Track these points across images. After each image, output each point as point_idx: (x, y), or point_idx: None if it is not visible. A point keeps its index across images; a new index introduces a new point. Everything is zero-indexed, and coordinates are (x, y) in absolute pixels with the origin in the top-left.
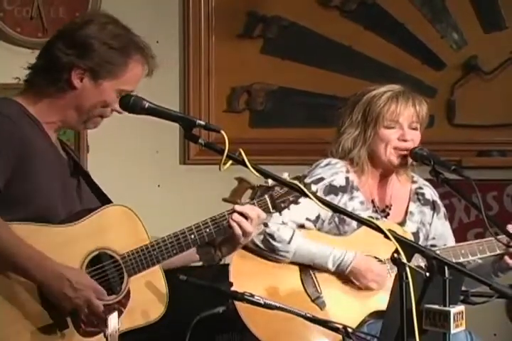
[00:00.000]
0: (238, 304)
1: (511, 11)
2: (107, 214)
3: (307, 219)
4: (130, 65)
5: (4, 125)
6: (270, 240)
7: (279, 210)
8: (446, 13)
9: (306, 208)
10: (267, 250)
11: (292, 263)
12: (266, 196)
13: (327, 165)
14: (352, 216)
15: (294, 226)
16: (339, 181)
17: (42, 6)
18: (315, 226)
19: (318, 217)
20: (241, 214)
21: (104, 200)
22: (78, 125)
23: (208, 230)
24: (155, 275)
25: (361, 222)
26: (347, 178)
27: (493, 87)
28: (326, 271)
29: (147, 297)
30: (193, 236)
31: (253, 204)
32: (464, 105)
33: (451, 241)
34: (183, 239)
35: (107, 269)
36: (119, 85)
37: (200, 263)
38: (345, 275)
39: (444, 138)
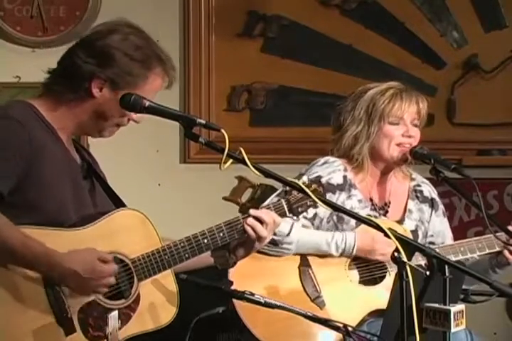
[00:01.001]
0: (238, 304)
1: (511, 9)
2: (118, 218)
3: (304, 217)
4: (150, 78)
5: (13, 128)
6: None
7: (296, 215)
8: (447, 12)
9: None
10: (270, 244)
11: (292, 262)
12: (282, 200)
13: (324, 163)
14: (354, 216)
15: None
16: (336, 179)
17: (42, 4)
18: (313, 224)
19: (315, 215)
20: (256, 218)
21: (119, 204)
22: (94, 133)
23: (221, 234)
24: (166, 279)
25: (363, 221)
26: (345, 177)
27: (494, 86)
28: (332, 256)
29: (158, 301)
30: (206, 241)
31: (269, 208)
32: (464, 104)
33: (449, 238)
34: (196, 244)
35: (117, 273)
36: None
37: None
38: (343, 270)
39: (445, 136)
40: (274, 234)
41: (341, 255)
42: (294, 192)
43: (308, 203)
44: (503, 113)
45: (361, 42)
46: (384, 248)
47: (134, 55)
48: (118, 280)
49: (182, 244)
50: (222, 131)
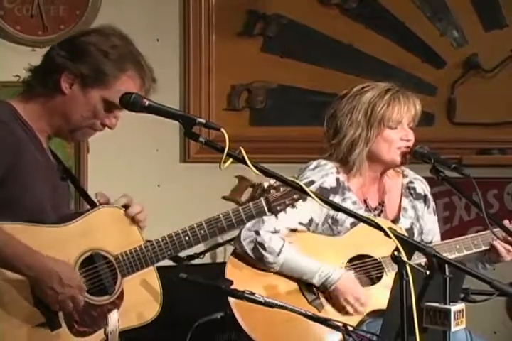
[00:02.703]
0: (236, 309)
1: (511, 8)
2: (100, 215)
3: (300, 223)
4: (122, 79)
5: None
6: (260, 250)
7: (275, 213)
8: (447, 11)
9: (298, 212)
10: (256, 259)
11: None
12: (261, 199)
13: (316, 167)
14: (355, 216)
15: (287, 232)
16: (330, 183)
17: (42, 4)
18: (308, 229)
19: (311, 221)
20: None
21: (93, 205)
22: (65, 134)
23: (202, 232)
24: (149, 275)
25: (364, 221)
26: (337, 179)
27: (494, 85)
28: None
29: (141, 297)
30: (187, 238)
31: (249, 207)
32: (464, 103)
33: (437, 237)
34: (178, 241)
35: (100, 270)
36: (106, 96)
37: (200, 262)
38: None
39: (445, 136)
40: (264, 249)
41: (320, 286)
42: (273, 191)
43: (287, 202)
44: (503, 112)
45: (361, 42)
46: (355, 302)
47: (109, 52)
48: (102, 277)
49: (164, 241)
50: (222, 130)
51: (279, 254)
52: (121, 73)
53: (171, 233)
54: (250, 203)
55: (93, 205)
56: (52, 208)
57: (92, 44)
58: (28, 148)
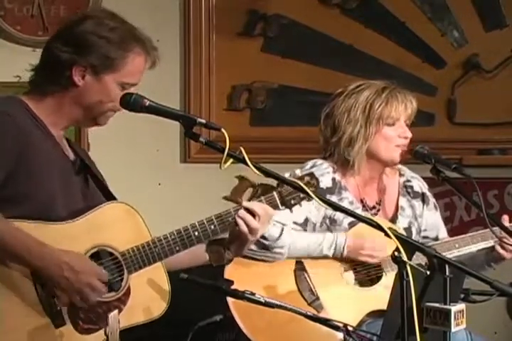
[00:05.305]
0: (235, 312)
1: (511, 8)
2: (107, 211)
3: (294, 222)
4: (130, 57)
5: (5, 123)
6: (261, 240)
7: (289, 207)
8: (447, 11)
9: (293, 212)
10: (262, 250)
11: (287, 266)
12: (274, 193)
13: (312, 167)
14: (356, 216)
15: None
16: (325, 183)
17: (42, 4)
18: (305, 230)
19: (306, 221)
20: (248, 210)
21: (111, 199)
22: (87, 122)
23: (212, 227)
24: (157, 273)
25: (364, 221)
26: (333, 179)
27: (494, 86)
28: (324, 257)
29: (149, 294)
30: (196, 233)
31: (261, 201)
32: (464, 103)
33: (442, 231)
34: (187, 236)
35: (106, 266)
36: (120, 78)
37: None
38: (339, 272)
39: (445, 136)
40: (265, 239)
41: (333, 255)
42: (286, 185)
43: (301, 195)
44: (504, 112)
45: (361, 42)
46: (373, 249)
47: (109, 36)
48: (108, 273)
49: (172, 237)
50: (223, 130)
51: (280, 238)
52: (127, 53)
53: (180, 228)
54: (262, 197)
55: (110, 200)
56: (63, 203)
57: (91, 33)
58: (38, 142)
